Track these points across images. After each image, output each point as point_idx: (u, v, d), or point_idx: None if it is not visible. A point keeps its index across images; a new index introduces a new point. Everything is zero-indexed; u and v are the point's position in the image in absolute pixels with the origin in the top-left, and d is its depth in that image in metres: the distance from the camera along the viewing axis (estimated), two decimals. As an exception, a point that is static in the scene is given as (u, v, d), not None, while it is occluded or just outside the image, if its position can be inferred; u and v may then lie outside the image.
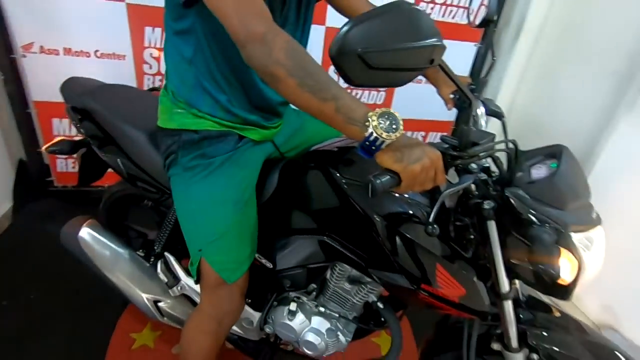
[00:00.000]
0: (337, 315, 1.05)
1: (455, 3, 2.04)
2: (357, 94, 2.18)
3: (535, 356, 0.84)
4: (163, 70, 1.88)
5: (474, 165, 0.66)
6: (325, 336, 1.04)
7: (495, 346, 0.89)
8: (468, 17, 0.93)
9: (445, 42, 0.55)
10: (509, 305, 0.80)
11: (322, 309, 1.05)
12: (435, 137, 2.48)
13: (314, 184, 0.91)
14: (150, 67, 1.86)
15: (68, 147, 1.16)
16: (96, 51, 1.77)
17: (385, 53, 0.50)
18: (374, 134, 0.56)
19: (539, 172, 0.76)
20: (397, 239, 0.79)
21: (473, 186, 0.73)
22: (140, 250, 1.26)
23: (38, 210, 2.02)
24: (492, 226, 0.73)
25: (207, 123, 0.86)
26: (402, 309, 1.06)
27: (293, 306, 1.04)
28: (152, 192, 1.12)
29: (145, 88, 1.89)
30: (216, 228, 0.87)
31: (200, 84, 0.83)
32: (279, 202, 0.96)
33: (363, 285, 0.98)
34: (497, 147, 0.68)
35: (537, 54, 2.09)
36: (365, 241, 0.86)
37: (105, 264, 1.17)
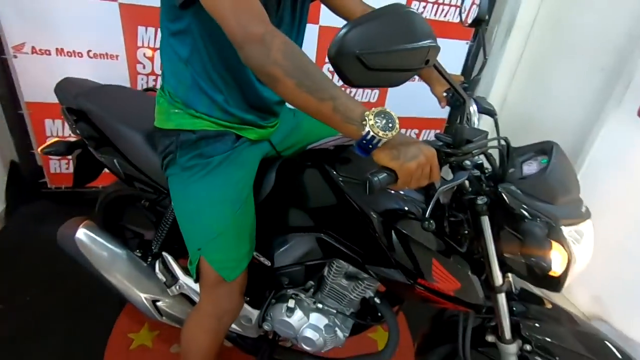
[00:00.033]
0: (334, 311, 1.07)
1: (447, 2, 2.06)
2: (350, 92, 2.20)
3: (528, 347, 0.86)
4: (157, 70, 1.88)
5: (467, 162, 0.68)
6: (324, 332, 1.06)
7: (490, 338, 0.91)
8: (460, 16, 0.95)
9: (438, 40, 0.57)
10: (502, 298, 0.83)
11: (320, 306, 1.06)
12: (428, 134, 2.51)
13: (311, 182, 0.92)
14: (144, 67, 1.85)
15: (63, 148, 1.16)
16: (89, 51, 1.75)
17: (382, 54, 0.51)
18: (371, 133, 0.58)
19: (530, 168, 0.79)
20: (394, 234, 0.81)
21: (467, 182, 0.74)
22: (137, 251, 1.26)
23: (31, 212, 2.01)
24: (486, 221, 0.75)
25: (205, 123, 0.87)
26: (398, 304, 1.08)
27: (291, 303, 1.05)
28: (149, 192, 1.13)
29: (139, 88, 1.89)
30: (215, 227, 0.87)
31: (197, 84, 0.84)
32: (276, 200, 0.97)
33: (360, 282, 1.00)
34: (490, 144, 0.70)
35: (528, 51, 2.13)
36: (362, 238, 0.88)
37: (103, 264, 1.17)
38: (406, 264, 0.82)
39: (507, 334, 0.86)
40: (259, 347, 1.21)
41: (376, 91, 2.25)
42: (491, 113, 0.89)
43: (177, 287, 1.13)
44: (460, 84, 0.89)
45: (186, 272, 1.13)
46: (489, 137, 0.70)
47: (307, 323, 1.06)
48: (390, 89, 2.27)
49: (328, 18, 1.83)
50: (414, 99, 2.07)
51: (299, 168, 0.95)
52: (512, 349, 0.87)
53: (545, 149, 0.80)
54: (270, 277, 1.05)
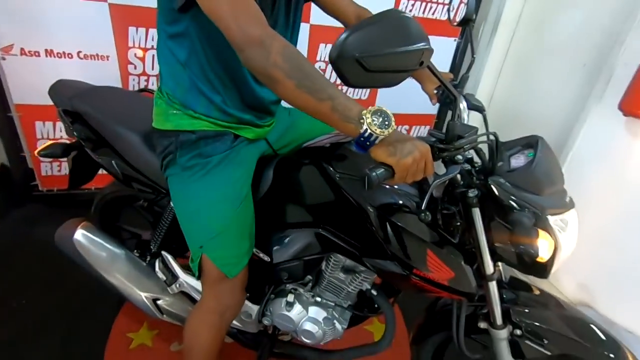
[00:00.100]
0: (333, 304, 1.10)
1: (435, 0, 2.10)
2: (342, 88, 2.23)
3: (518, 331, 0.91)
4: (148, 70, 1.88)
5: (459, 157, 0.71)
6: (323, 325, 1.09)
7: (482, 325, 0.95)
8: (449, 15, 0.98)
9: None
10: (493, 286, 0.87)
11: (318, 299, 1.09)
12: (418, 130, 2.56)
13: (309, 179, 0.94)
14: (135, 68, 1.85)
15: (60, 151, 1.16)
16: (79, 52, 1.74)
17: (380, 57, 0.55)
18: (369, 131, 0.61)
19: (517, 161, 0.83)
20: (390, 227, 0.84)
21: (458, 176, 0.78)
22: (135, 251, 1.27)
23: (23, 215, 1.99)
24: (477, 213, 0.79)
25: (203, 123, 0.89)
26: (394, 295, 1.12)
27: (290, 297, 1.08)
28: (147, 192, 1.14)
29: (131, 88, 1.89)
30: (216, 225, 0.89)
31: (195, 85, 0.86)
32: (274, 197, 0.99)
33: (357, 275, 1.03)
34: (480, 139, 0.73)
35: (513, 48, 2.18)
36: (359, 231, 0.91)
37: (102, 265, 1.18)
38: (402, 256, 0.86)
39: (499, 320, 0.90)
40: (260, 342, 1.23)
41: (367, 89, 2.29)
42: (480, 109, 0.93)
43: (177, 285, 1.14)
44: (450, 82, 0.93)
45: (186, 270, 1.15)
46: (479, 132, 0.73)
47: (306, 316, 1.09)
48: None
49: (319, 17, 1.86)
50: (404, 96, 2.11)
51: (296, 165, 0.97)
52: (503, 334, 0.91)
53: (531, 143, 0.84)
54: (270, 273, 1.07)
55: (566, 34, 1.86)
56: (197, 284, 1.13)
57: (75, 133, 1.09)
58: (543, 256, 0.73)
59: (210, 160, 0.89)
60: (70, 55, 1.74)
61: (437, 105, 1.06)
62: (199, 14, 0.70)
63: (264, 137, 1.01)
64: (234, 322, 1.15)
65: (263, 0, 0.72)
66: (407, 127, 2.51)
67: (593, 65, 1.70)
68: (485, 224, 0.80)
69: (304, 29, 1.93)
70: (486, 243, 0.81)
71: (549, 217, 0.74)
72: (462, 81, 0.91)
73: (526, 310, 0.93)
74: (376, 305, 1.09)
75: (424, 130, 2.57)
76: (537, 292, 1.00)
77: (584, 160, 1.66)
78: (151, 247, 1.22)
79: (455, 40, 2.26)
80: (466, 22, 0.90)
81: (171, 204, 1.12)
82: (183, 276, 1.14)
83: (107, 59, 1.79)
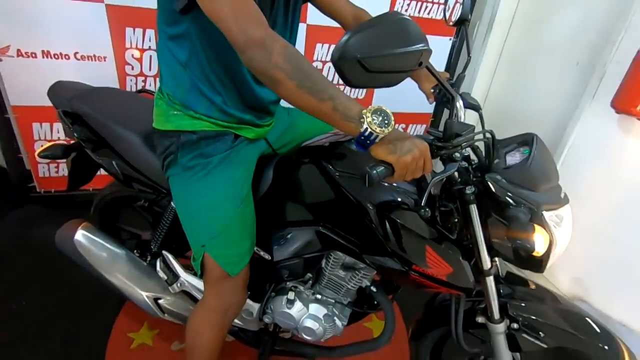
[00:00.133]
0: (333, 301, 1.11)
1: (430, 0, 2.12)
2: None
3: (515, 325, 0.93)
4: (145, 71, 1.88)
5: (457, 154, 0.73)
6: (323, 321, 1.10)
7: (480, 319, 0.97)
8: (444, 15, 1.00)
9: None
10: (491, 281, 0.89)
11: (318, 296, 1.11)
12: (414, 128, 2.58)
13: (308, 178, 0.96)
14: (133, 68, 1.85)
15: (60, 152, 1.17)
16: (76, 53, 1.74)
17: (380, 58, 0.56)
18: (369, 130, 0.62)
19: (513, 158, 0.85)
20: (389, 224, 0.86)
21: (456, 174, 0.80)
22: (135, 251, 1.28)
23: (21, 217, 1.99)
24: (474, 209, 0.81)
25: (204, 124, 0.89)
26: (392, 292, 1.13)
27: (291, 295, 1.09)
28: (148, 192, 1.15)
29: (128, 89, 1.89)
30: (218, 224, 0.90)
31: (196, 86, 0.86)
32: (274, 196, 1.00)
33: (356, 272, 1.04)
34: (477, 137, 0.75)
35: (508, 47, 2.21)
36: (358, 229, 0.93)
37: (103, 265, 1.18)
38: (401, 252, 0.87)
39: (496, 314, 0.92)
40: (261, 340, 1.25)
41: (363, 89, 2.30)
42: (476, 108, 0.95)
43: (179, 284, 1.15)
44: (446, 81, 0.95)
45: (187, 269, 1.16)
46: (475, 130, 0.75)
47: (307, 314, 1.10)
48: (377, 86, 2.32)
49: (316, 17, 1.87)
50: (400, 95, 2.12)
51: (295, 164, 0.98)
52: (500, 328, 0.93)
53: (526, 140, 0.86)
54: (270, 271, 1.08)
55: (559, 33, 1.89)
56: (198, 283, 1.14)
57: (75, 134, 1.10)
58: (539, 250, 0.74)
59: (211, 160, 0.90)
60: (67, 57, 1.74)
61: (433, 104, 1.08)
62: (200, 16, 0.71)
63: (263, 137, 1.03)
64: (235, 320, 1.16)
65: (262, 1, 0.73)
66: (403, 125, 2.53)
67: (586, 64, 1.73)
68: (482, 220, 0.82)
69: (301, 29, 1.93)
70: (483, 239, 0.83)
71: (545, 213, 0.76)
72: (458, 80, 0.93)
73: (523, 305, 0.95)
74: (375, 302, 1.11)
75: (420, 129, 2.60)
76: (533, 287, 1.02)
77: (578, 157, 1.69)
78: (152, 247, 1.23)
79: (450, 39, 2.29)
80: (462, 22, 0.92)
81: (172, 203, 1.12)
82: (184, 275, 1.15)
83: (105, 60, 1.79)
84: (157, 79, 1.92)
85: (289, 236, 1.04)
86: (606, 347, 0.90)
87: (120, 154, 1.09)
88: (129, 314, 1.52)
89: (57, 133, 1.89)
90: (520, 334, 0.93)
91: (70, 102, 1.12)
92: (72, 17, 1.66)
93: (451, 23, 0.95)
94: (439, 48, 2.29)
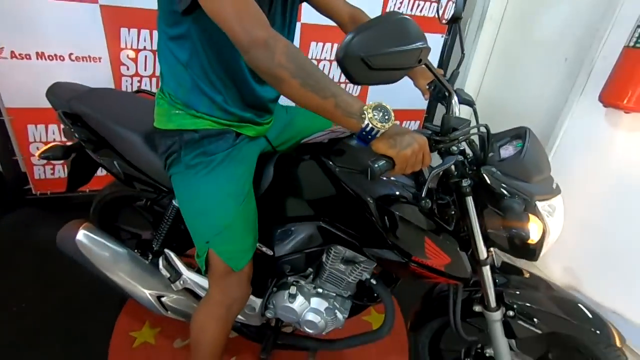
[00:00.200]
0: (334, 294, 1.14)
1: (422, -2, 2.15)
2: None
3: (511, 313, 0.96)
4: (141, 71, 1.88)
5: (454, 148, 0.76)
6: (325, 315, 1.12)
7: (477, 308, 1.00)
8: (438, 13, 1.02)
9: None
10: (487, 270, 0.92)
11: (319, 290, 1.13)
12: (409, 124, 2.61)
13: (309, 174, 0.98)
14: (128, 69, 1.85)
15: (61, 153, 1.17)
16: (70, 54, 1.74)
17: (382, 56, 0.59)
18: (370, 125, 0.65)
19: (506, 151, 0.88)
20: (389, 217, 0.88)
21: (452, 167, 0.83)
22: (135, 250, 1.29)
23: (17, 219, 1.99)
24: (470, 201, 0.84)
25: (206, 122, 0.91)
26: (391, 285, 1.16)
27: (293, 290, 1.11)
28: (150, 191, 1.16)
29: (124, 89, 1.89)
30: (221, 221, 0.92)
31: (197, 85, 0.88)
32: (275, 193, 1.02)
33: (356, 265, 1.07)
34: (473, 131, 0.78)
35: (499, 44, 2.25)
36: (359, 222, 0.95)
37: (105, 264, 1.19)
38: (401, 244, 0.90)
39: (492, 303, 0.95)
40: (263, 334, 1.27)
41: (358, 86, 2.33)
42: (470, 103, 0.97)
43: (181, 282, 1.17)
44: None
45: (189, 267, 1.17)
46: (471, 125, 0.78)
47: (308, 307, 1.12)
48: (371, 83, 2.35)
49: (310, 16, 1.89)
50: (394, 92, 2.15)
51: (296, 161, 1.00)
52: (497, 316, 0.96)
53: (519, 134, 0.90)
54: (272, 266, 1.10)
55: (549, 29, 1.93)
56: (200, 280, 1.16)
57: (76, 135, 1.10)
58: (533, 238, 0.78)
59: (214, 158, 0.91)
60: (61, 58, 1.73)
61: (426, 100, 1.11)
62: (201, 17, 0.72)
63: (263, 135, 1.04)
64: (238, 316, 1.17)
65: (261, 2, 0.75)
66: (397, 122, 2.55)
67: (575, 59, 1.77)
68: (478, 212, 0.84)
69: (296, 28, 1.95)
70: (479, 229, 0.86)
71: (538, 203, 0.79)
72: (453, 77, 0.95)
73: (518, 293, 0.98)
74: (375, 295, 1.14)
75: (414, 125, 2.63)
76: (527, 275, 1.05)
77: (568, 149, 1.74)
78: (153, 246, 1.24)
79: (442, 36, 2.32)
80: (455, 20, 0.94)
81: (173, 202, 1.14)
82: (186, 273, 1.17)
83: (100, 61, 1.79)
84: (153, 79, 1.92)
85: (290, 231, 1.06)
86: (598, 332, 0.93)
87: (121, 153, 1.10)
88: (130, 313, 1.53)
89: (52, 135, 1.89)
90: (515, 321, 0.96)
91: (69, 103, 1.12)
92: (67, 18, 1.66)
93: (444, 21, 0.98)
94: (432, 45, 2.29)
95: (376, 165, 0.65)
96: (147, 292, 1.20)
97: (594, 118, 1.61)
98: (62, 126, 1.24)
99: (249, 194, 0.97)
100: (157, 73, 1.90)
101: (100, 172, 1.39)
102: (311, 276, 1.14)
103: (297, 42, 2.01)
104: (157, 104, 0.96)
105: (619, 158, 1.55)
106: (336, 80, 2.04)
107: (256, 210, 0.99)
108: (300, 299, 1.12)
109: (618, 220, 1.58)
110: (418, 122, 2.63)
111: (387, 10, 2.13)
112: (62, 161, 1.77)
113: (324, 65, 2.15)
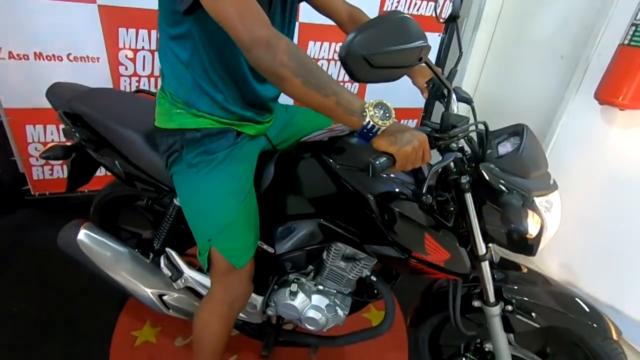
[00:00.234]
0: (334, 291, 1.15)
1: (419, -3, 2.17)
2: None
3: (509, 307, 0.97)
4: (139, 71, 1.88)
5: (454, 145, 0.77)
6: (325, 311, 1.13)
7: (476, 303, 1.01)
8: (435, 12, 1.04)
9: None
10: (486, 266, 0.93)
11: (320, 287, 1.14)
12: (407, 123, 2.63)
13: (309, 172, 0.99)
14: (126, 69, 1.85)
15: (62, 153, 1.17)
16: (69, 55, 1.74)
17: (384, 54, 0.60)
18: (371, 123, 0.66)
19: (504, 148, 0.89)
20: (390, 214, 0.89)
21: (452, 164, 0.84)
22: (136, 250, 1.30)
23: (16, 220, 1.99)
24: (469, 198, 0.85)
25: (207, 121, 0.92)
26: (391, 282, 1.17)
27: (294, 287, 1.12)
28: (151, 190, 1.17)
29: (122, 89, 1.89)
30: (223, 219, 0.93)
31: (198, 85, 0.89)
32: (276, 191, 1.03)
33: (357, 262, 1.08)
34: (471, 128, 0.79)
35: (495, 42, 2.27)
36: (359, 219, 0.96)
37: (107, 263, 1.20)
38: (401, 240, 0.91)
39: (491, 298, 0.96)
40: (265, 332, 1.28)
41: (356, 84, 2.34)
42: (468, 101, 0.99)
43: (183, 280, 1.17)
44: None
45: (190, 265, 1.18)
46: (469, 122, 0.79)
47: (309, 304, 1.13)
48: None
49: (308, 15, 1.90)
50: (391, 91, 2.16)
51: (296, 160, 1.01)
52: (495, 310, 0.97)
53: (517, 131, 0.91)
54: (273, 264, 1.11)
55: (545, 27, 1.95)
56: (202, 279, 1.16)
57: (77, 135, 1.11)
58: (531, 233, 0.79)
59: (215, 156, 0.92)
60: (60, 58, 1.73)
61: (423, 99, 1.12)
62: (202, 16, 0.73)
63: (264, 133, 1.05)
64: (240, 314, 1.18)
65: (261, 1, 0.75)
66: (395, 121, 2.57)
67: (570, 57, 1.79)
68: (477, 208, 0.86)
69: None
70: (478, 225, 0.87)
71: (535, 199, 0.81)
72: (451, 75, 0.96)
73: (516, 287, 0.99)
74: (375, 291, 1.15)
75: (411, 124, 2.65)
76: (525, 271, 1.07)
77: (564, 146, 1.76)
78: (154, 245, 1.25)
79: (439, 35, 2.33)
80: (452, 19, 0.95)
81: (174, 201, 1.14)
82: (188, 271, 1.17)
83: (98, 61, 1.79)
84: (151, 79, 1.92)
85: (291, 229, 1.07)
86: (595, 325, 0.95)
87: (122, 153, 1.11)
88: (131, 312, 1.54)
89: (50, 135, 1.89)
90: (514, 316, 0.98)
91: (69, 103, 1.13)
92: (65, 18, 1.66)
93: (442, 20, 0.99)
94: (429, 43, 2.34)
95: (377, 162, 0.67)
96: (148, 290, 1.20)
97: (590, 115, 1.63)
98: (62, 126, 1.24)
99: (250, 192, 0.97)
100: (156, 73, 1.90)
101: (100, 172, 1.40)
102: (312, 273, 1.15)
103: (295, 41, 2.01)
104: (158, 104, 0.96)
105: (614, 154, 1.57)
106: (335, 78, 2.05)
107: (257, 208, 1.00)
108: (301, 296, 1.13)
109: (614, 216, 1.60)
110: (416, 120, 2.64)
111: (385, 9, 2.14)
112: (61, 161, 1.78)
113: (322, 64, 2.16)
